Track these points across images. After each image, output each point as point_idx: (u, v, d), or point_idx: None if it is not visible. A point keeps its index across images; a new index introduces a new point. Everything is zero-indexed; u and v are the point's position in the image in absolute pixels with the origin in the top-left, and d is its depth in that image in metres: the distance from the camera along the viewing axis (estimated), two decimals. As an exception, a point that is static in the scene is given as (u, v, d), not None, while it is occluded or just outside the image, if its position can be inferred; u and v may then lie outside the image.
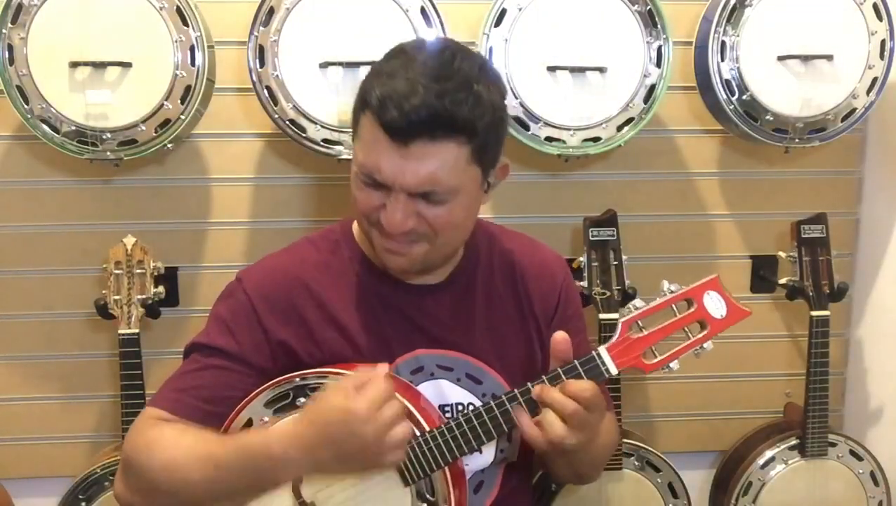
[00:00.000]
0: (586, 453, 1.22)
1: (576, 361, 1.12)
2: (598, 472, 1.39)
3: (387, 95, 1.07)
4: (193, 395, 1.21)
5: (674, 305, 1.13)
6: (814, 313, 1.81)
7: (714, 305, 1.13)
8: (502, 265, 1.33)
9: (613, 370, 1.12)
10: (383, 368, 1.11)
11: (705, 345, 1.14)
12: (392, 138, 1.07)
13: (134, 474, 1.18)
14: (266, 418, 1.18)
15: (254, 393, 1.20)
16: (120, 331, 1.69)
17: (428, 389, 1.25)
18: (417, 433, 1.13)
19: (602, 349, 1.12)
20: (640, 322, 1.12)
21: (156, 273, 1.72)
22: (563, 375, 1.11)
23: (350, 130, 1.65)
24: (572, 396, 1.09)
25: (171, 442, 1.16)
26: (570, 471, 1.32)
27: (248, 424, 1.19)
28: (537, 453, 1.27)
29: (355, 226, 1.31)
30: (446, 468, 1.14)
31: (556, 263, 1.38)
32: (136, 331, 1.69)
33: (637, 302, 1.13)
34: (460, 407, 1.26)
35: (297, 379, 1.18)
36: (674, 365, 1.13)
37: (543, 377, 1.12)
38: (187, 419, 1.19)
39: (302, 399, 1.17)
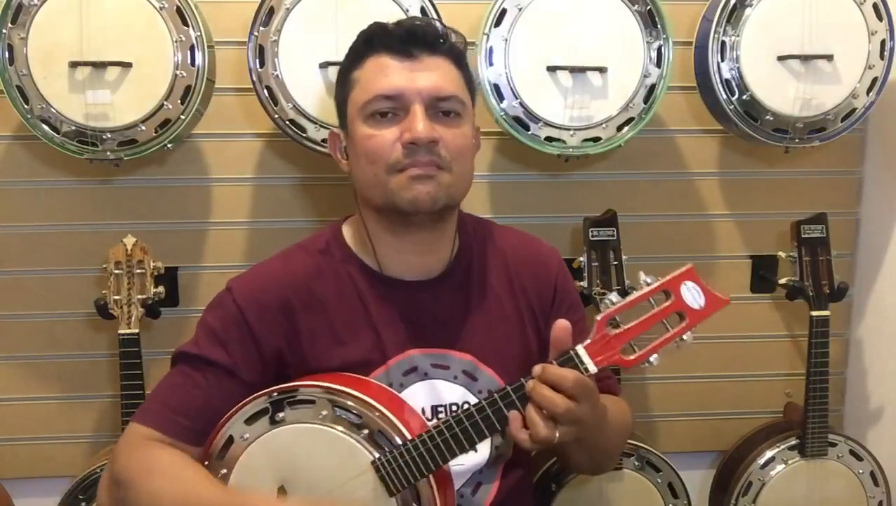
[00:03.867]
0: (598, 440, 1.21)
1: (552, 360, 1.11)
2: (612, 460, 1.37)
3: (383, 27, 1.21)
4: (181, 413, 1.20)
5: (651, 299, 1.11)
6: (814, 313, 1.81)
7: (691, 295, 1.11)
8: (496, 259, 1.33)
9: (592, 368, 1.10)
10: None
11: (685, 337, 1.11)
12: (400, 55, 1.19)
13: (122, 494, 1.18)
14: (247, 435, 1.17)
15: (233, 411, 1.19)
16: (120, 331, 1.69)
17: (421, 389, 1.25)
18: (399, 442, 1.13)
19: (580, 348, 1.10)
20: (617, 318, 1.11)
21: (156, 273, 1.72)
22: (534, 370, 1.10)
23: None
24: (553, 383, 1.07)
25: (165, 476, 1.15)
26: (586, 458, 1.29)
27: (230, 441, 1.18)
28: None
29: (345, 227, 1.31)
30: (430, 475, 1.13)
31: (550, 255, 1.38)
32: (136, 331, 1.69)
33: (613, 297, 1.11)
34: (455, 407, 1.26)
35: (275, 393, 1.18)
36: (653, 359, 1.11)
37: (522, 380, 1.11)
38: (175, 438, 1.20)
39: (280, 414, 1.16)
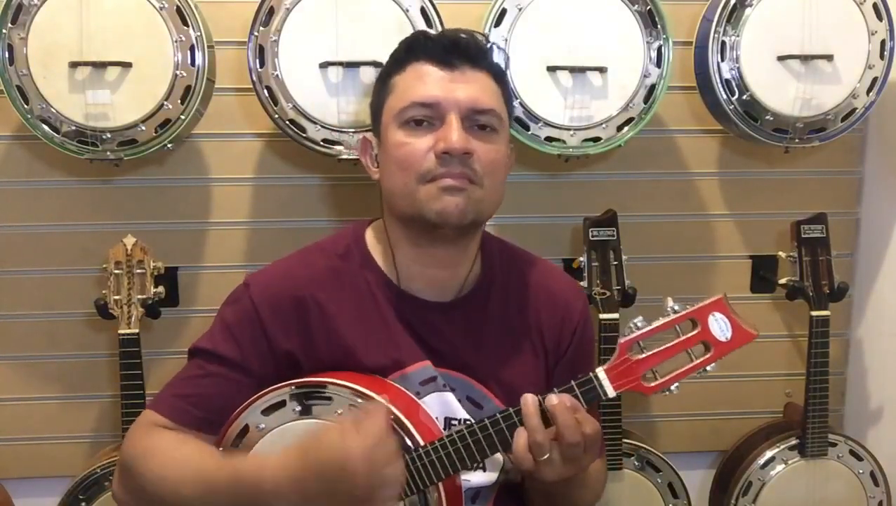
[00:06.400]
0: (567, 496, 1.21)
1: (573, 381, 1.09)
2: None
3: (427, 36, 1.22)
4: (192, 403, 1.21)
5: (677, 326, 1.09)
6: (814, 313, 1.81)
7: (719, 327, 1.09)
8: (519, 292, 1.30)
9: (611, 393, 1.09)
10: (382, 403, 1.09)
11: (708, 368, 1.10)
12: (441, 64, 1.18)
13: (130, 478, 1.19)
14: (262, 426, 1.18)
15: (250, 400, 1.19)
16: (120, 331, 1.69)
17: (437, 400, 1.23)
18: (411, 447, 1.12)
19: (600, 371, 1.09)
20: (640, 343, 1.08)
21: (156, 273, 1.72)
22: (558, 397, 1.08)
23: (350, 130, 1.66)
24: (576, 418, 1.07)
25: (166, 454, 1.16)
26: (544, 503, 1.27)
27: (245, 430, 1.19)
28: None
29: (368, 233, 1.30)
30: (440, 484, 1.13)
31: (576, 299, 1.34)
32: (136, 331, 1.69)
33: (638, 322, 1.08)
34: (467, 423, 1.23)
35: (294, 387, 1.18)
36: (674, 388, 1.09)
37: (539, 398, 1.09)
38: (185, 427, 1.20)
39: (297, 407, 1.17)
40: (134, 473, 1.18)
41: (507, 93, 1.26)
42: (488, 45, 1.24)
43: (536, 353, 1.29)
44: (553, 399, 1.07)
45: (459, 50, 1.19)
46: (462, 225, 1.18)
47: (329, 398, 1.16)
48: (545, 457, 1.08)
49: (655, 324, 1.09)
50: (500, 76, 1.24)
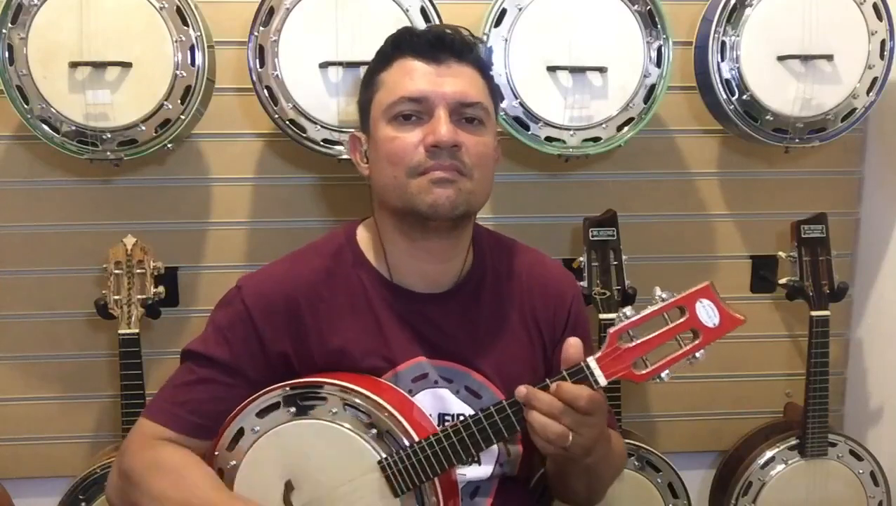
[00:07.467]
0: (602, 461, 1.21)
1: (564, 371, 1.10)
2: (604, 492, 1.36)
3: (412, 31, 1.23)
4: (187, 409, 1.21)
5: (665, 314, 1.10)
6: (814, 313, 1.81)
7: (706, 313, 1.10)
8: (511, 281, 1.31)
9: (602, 381, 1.10)
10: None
11: (697, 354, 1.11)
12: (427, 59, 1.20)
13: (130, 489, 1.19)
14: (257, 428, 1.18)
15: (244, 403, 1.20)
16: (120, 331, 1.69)
17: (429, 397, 1.24)
18: (406, 444, 1.13)
19: (591, 360, 1.10)
20: (630, 331, 1.10)
21: (156, 273, 1.72)
22: (550, 387, 1.10)
23: (350, 130, 1.66)
24: (567, 401, 1.08)
25: (171, 476, 1.16)
26: (583, 485, 1.29)
27: (240, 433, 1.19)
28: (550, 469, 1.27)
29: (360, 230, 1.31)
30: (436, 479, 1.13)
31: (567, 284, 1.36)
32: (136, 331, 1.69)
33: (627, 311, 1.10)
34: (461, 418, 1.24)
35: (288, 388, 1.18)
36: (665, 375, 1.10)
37: (531, 388, 1.10)
38: (182, 434, 1.21)
39: (291, 409, 1.17)
40: (136, 487, 1.18)
41: (493, 87, 1.27)
42: (474, 40, 1.25)
43: (532, 341, 1.31)
44: (521, 390, 1.10)
45: (445, 45, 1.20)
46: (453, 217, 1.19)
47: (323, 398, 1.17)
48: (556, 432, 1.08)
49: (644, 313, 1.10)
50: (485, 70, 1.25)
